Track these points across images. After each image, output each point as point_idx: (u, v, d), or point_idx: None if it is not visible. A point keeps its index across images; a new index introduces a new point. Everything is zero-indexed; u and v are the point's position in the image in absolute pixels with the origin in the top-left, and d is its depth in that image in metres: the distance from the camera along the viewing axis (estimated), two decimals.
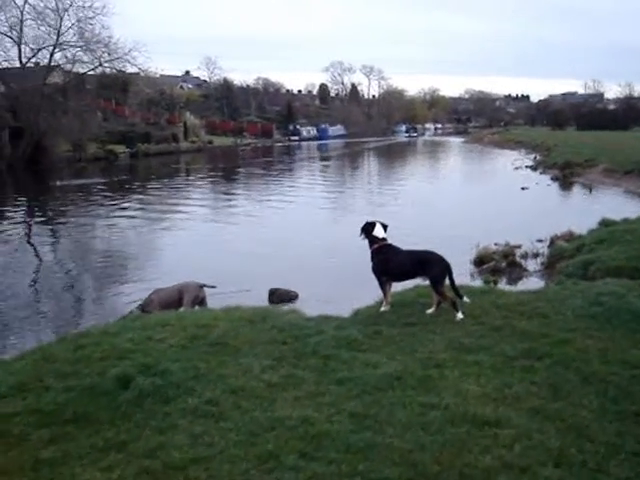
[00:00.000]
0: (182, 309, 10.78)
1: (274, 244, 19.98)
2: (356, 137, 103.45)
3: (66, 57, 52.09)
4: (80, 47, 51.32)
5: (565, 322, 8.32)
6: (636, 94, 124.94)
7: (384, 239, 8.96)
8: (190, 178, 47.17)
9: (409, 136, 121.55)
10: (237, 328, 8.07)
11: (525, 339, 7.70)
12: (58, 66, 53.66)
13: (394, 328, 8.11)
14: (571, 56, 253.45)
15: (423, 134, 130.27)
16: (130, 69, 57.17)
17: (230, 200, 33.53)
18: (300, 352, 7.29)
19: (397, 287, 10.39)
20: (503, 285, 14.37)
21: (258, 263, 17.34)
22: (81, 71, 54.26)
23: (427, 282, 9.06)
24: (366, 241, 9.10)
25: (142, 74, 70.37)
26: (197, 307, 11.05)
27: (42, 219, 28.55)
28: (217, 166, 58.49)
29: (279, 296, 13.23)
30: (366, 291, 10.34)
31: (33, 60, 51.97)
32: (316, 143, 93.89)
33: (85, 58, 52.38)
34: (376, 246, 8.89)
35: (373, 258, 8.92)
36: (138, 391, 6.25)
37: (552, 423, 5.67)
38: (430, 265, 8.65)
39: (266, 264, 17.18)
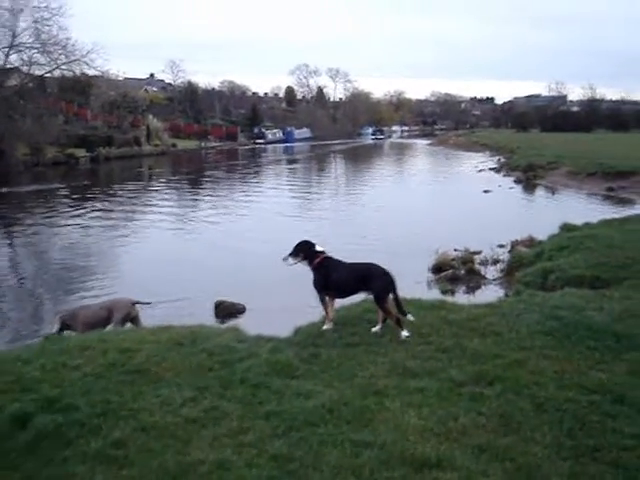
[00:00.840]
0: (110, 327, 10.02)
1: (229, 253, 19.23)
2: (322, 140, 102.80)
3: (22, 59, 50.68)
4: (37, 49, 50.01)
5: (519, 340, 7.72)
6: (598, 96, 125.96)
7: (323, 252, 8.27)
8: (152, 183, 45.90)
9: (376, 138, 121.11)
10: (163, 352, 7.33)
11: (476, 361, 7.07)
12: (15, 68, 52.32)
13: (334, 349, 7.43)
14: (535, 58, 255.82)
15: (390, 136, 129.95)
16: (88, 71, 55.83)
17: (190, 206, 32.38)
18: (227, 380, 6.58)
19: (344, 301, 9.77)
20: (461, 294, 13.84)
21: (210, 273, 16.66)
22: (38, 73, 52.67)
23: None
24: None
25: (104, 77, 69.48)
26: (129, 325, 10.26)
27: None
28: (180, 170, 57.43)
29: (225, 309, 12.51)
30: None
31: None
32: (282, 146, 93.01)
33: (42, 60, 51.01)
34: (317, 260, 8.16)
35: (314, 273, 8.20)
36: (35, 432, 5.52)
37: (500, 463, 5.05)
38: (373, 279, 7.96)
39: (219, 274, 16.53)
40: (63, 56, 50.67)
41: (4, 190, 37.55)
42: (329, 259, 8.19)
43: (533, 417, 5.82)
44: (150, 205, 32.37)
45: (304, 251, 8.23)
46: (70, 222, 26.14)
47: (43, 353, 7.46)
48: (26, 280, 17.33)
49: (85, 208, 30.48)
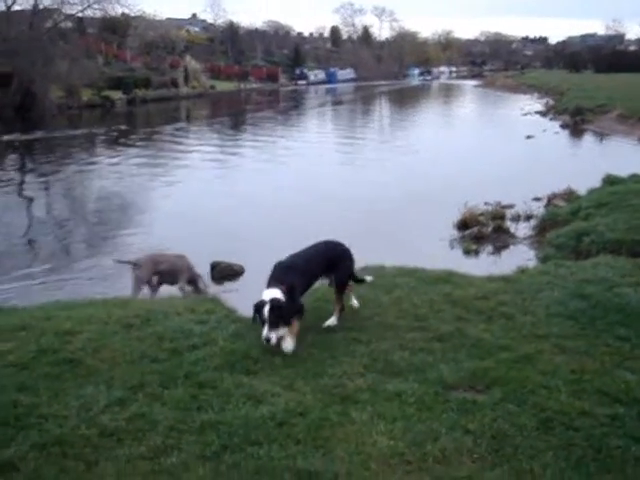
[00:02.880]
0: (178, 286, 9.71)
1: (258, 207, 17.53)
2: (366, 81, 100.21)
3: None
4: None
5: (534, 326, 6.43)
6: None
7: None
8: (188, 127, 44.18)
9: (423, 79, 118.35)
10: (106, 336, 6.22)
11: (476, 354, 5.83)
12: (50, 9, 51.19)
13: (307, 335, 6.23)
14: None
15: (438, 77, 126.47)
16: (120, 11, 54.49)
17: (226, 153, 29.89)
18: (169, 375, 5.46)
19: None
20: (485, 256, 12.47)
21: (231, 229, 15.13)
22: (69, 12, 51.46)
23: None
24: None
25: (143, 17, 68.13)
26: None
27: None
28: (217, 113, 56.04)
29: (221, 271, 11.37)
30: None
31: (20, 3, 49.34)
32: (324, 87, 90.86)
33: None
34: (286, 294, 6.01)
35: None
36: None
37: None
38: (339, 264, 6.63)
39: (235, 230, 15.04)
40: None
41: (38, 135, 36.51)
42: (291, 283, 6.09)
43: (535, 439, 4.59)
44: (185, 151, 30.28)
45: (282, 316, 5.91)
46: (103, 169, 24.76)
47: None
48: (55, 231, 16.06)
49: (119, 154, 29.06)
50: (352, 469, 4.24)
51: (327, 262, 6.53)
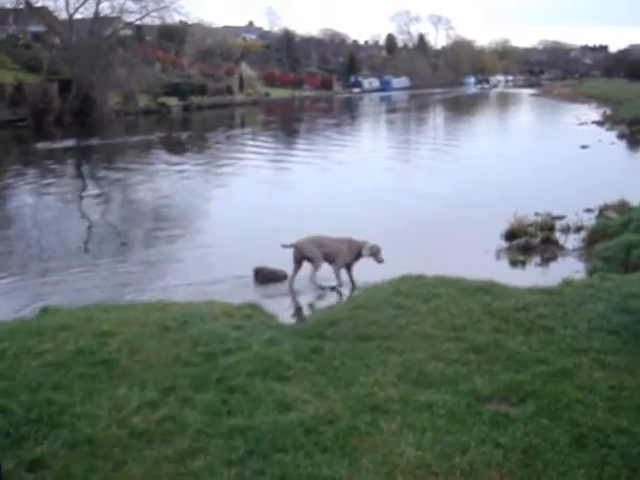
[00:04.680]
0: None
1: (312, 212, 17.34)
2: (422, 89, 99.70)
3: (113, 7, 50.45)
4: None
5: (574, 340, 6.29)
6: None
7: None
8: (242, 134, 44.53)
9: (481, 88, 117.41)
10: (143, 338, 6.32)
11: (511, 367, 5.73)
12: (112, 17, 52.35)
13: (341, 343, 6.23)
14: None
15: (496, 86, 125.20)
16: (178, 19, 55.48)
17: (281, 160, 29.70)
18: (202, 379, 5.51)
19: (373, 278, 8.53)
20: (532, 267, 12.22)
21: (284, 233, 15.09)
22: (129, 21, 52.59)
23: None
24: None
25: (200, 24, 69.26)
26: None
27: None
28: (271, 120, 56.30)
29: (265, 276, 11.35)
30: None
31: (82, 11, 50.49)
32: (379, 95, 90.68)
33: (132, 7, 50.71)
34: None
35: None
36: None
37: None
38: None
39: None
40: (152, 3, 50.16)
41: (95, 142, 36.56)
42: None
43: (567, 455, 4.48)
44: (238, 158, 30.27)
45: None
46: (159, 175, 24.73)
47: (14, 332, 6.57)
48: (110, 233, 16.18)
49: (175, 160, 29.13)
50: (377, 479, 4.20)
51: None
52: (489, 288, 7.81)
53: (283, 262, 11.66)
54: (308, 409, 4.99)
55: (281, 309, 8.89)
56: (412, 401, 5.13)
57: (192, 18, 57.89)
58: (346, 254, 10.68)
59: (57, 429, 4.77)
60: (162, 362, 5.83)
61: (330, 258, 10.84)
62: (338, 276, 10.65)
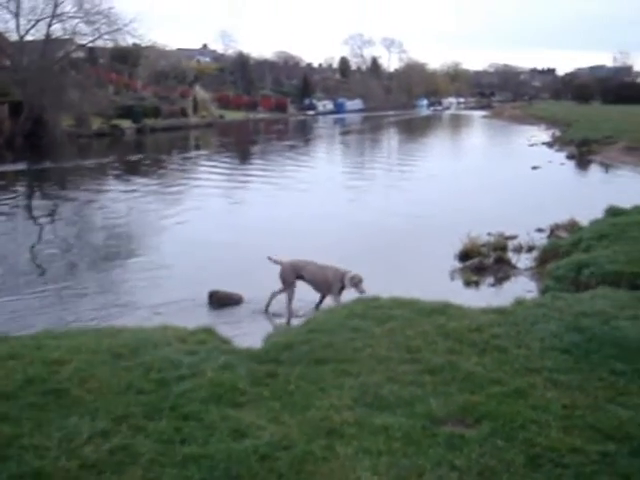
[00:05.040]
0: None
1: (266, 233, 17.25)
2: (375, 111, 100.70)
3: (65, 29, 49.90)
4: (79, 18, 49.17)
5: (527, 359, 6.34)
6: None
7: None
8: (196, 156, 44.12)
9: (434, 110, 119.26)
10: (94, 366, 6.18)
11: (466, 388, 5.75)
12: (63, 39, 51.77)
13: (297, 367, 6.17)
14: (600, 27, 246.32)
15: (449, 108, 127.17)
16: (131, 41, 55.13)
17: (235, 182, 29.49)
18: (155, 407, 5.40)
19: (327, 301, 8.52)
20: (485, 287, 12.36)
21: (238, 258, 15.02)
22: (81, 43, 52.11)
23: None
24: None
25: (154, 47, 69.03)
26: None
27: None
28: (225, 142, 56.13)
29: (220, 299, 11.28)
30: None
31: (33, 33, 49.88)
32: (333, 117, 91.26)
33: (85, 30, 50.24)
34: None
35: None
36: None
37: None
38: None
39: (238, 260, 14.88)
40: (105, 25, 49.73)
41: (47, 165, 35.85)
42: None
43: (522, 476, 4.51)
44: (192, 181, 29.88)
45: None
46: (111, 198, 24.10)
47: None
48: (58, 257, 15.75)
49: (127, 183, 28.52)
50: None
51: None
52: (443, 309, 7.85)
53: (239, 285, 11.63)
54: (263, 435, 4.93)
55: (236, 334, 8.79)
56: (368, 424, 5.10)
57: (145, 40, 57.36)
58: (335, 282, 10.34)
59: (3, 462, 4.62)
60: (114, 390, 5.71)
61: (316, 286, 10.60)
62: (338, 302, 10.11)
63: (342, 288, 10.28)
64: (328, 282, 10.38)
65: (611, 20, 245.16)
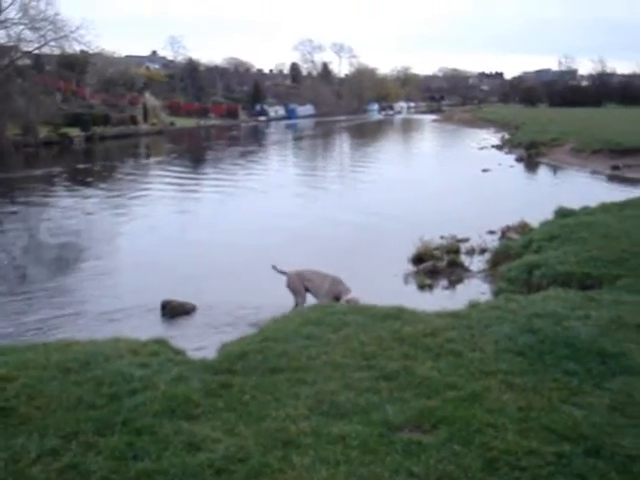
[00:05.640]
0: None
1: (215, 242, 17.12)
2: (326, 116, 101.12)
3: (9, 35, 48.96)
4: (24, 24, 48.31)
5: (482, 362, 6.35)
6: (609, 70, 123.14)
7: None
8: (145, 164, 43.61)
9: (385, 114, 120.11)
10: (43, 382, 5.99)
11: (422, 393, 5.72)
12: (3, 46, 50.76)
13: (251, 376, 6.08)
14: (545, 32, 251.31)
15: (400, 112, 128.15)
16: (78, 48, 54.36)
17: (184, 189, 29.14)
18: (107, 422, 5.25)
19: (283, 309, 8.47)
20: (439, 290, 12.44)
21: (185, 267, 14.83)
22: (26, 50, 51.18)
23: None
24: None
25: (102, 54, 68.09)
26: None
27: None
28: (176, 149, 55.55)
29: (173, 309, 11.13)
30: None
31: None
32: (284, 123, 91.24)
33: (30, 36, 49.38)
34: None
35: None
36: None
37: None
38: None
39: (187, 268, 14.73)
40: (51, 32, 48.96)
41: None
42: None
43: None
44: (142, 189, 29.34)
45: None
46: (60, 209, 23.54)
47: None
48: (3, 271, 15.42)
49: (76, 192, 28.16)
50: None
51: None
52: (398, 314, 7.84)
53: (192, 294, 11.51)
54: (218, 448, 4.83)
55: (190, 344, 8.67)
56: (325, 434, 5.04)
57: (93, 47, 56.62)
58: (326, 292, 10.53)
59: None
60: (64, 406, 5.54)
61: (313, 292, 10.84)
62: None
63: (336, 300, 10.31)
64: (322, 289, 10.59)
65: (556, 25, 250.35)
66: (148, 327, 9.95)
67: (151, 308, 11.14)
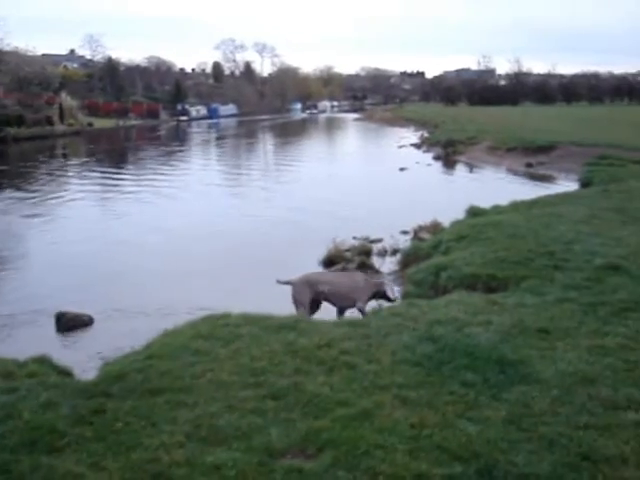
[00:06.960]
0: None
1: (124, 247, 16.48)
2: (249, 116, 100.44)
3: None
4: None
5: (377, 375, 6.05)
6: (525, 70, 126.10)
7: None
8: (61, 167, 41.74)
9: (310, 113, 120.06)
10: None
11: (310, 412, 5.37)
12: None
13: (128, 400, 5.61)
14: (464, 33, 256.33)
15: (324, 111, 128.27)
16: None
17: (101, 191, 28.27)
18: None
19: (170, 324, 8.00)
20: None
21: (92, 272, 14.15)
22: None
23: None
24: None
25: (16, 52, 65.82)
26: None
27: None
28: (94, 151, 53.89)
29: (67, 322, 10.48)
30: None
31: None
32: (206, 122, 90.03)
33: None
34: None
35: None
36: None
37: None
38: None
39: (88, 275, 14.03)
40: None
41: None
42: None
43: None
44: (57, 192, 28.04)
45: None
46: None
47: None
48: None
49: None
50: None
51: None
52: (294, 324, 7.44)
53: (89, 303, 10.96)
54: None
55: (80, 361, 8.10)
56: (199, 464, 4.63)
57: (6, 45, 54.51)
58: (364, 289, 9.29)
59: None
60: None
61: (340, 298, 9.34)
62: (364, 313, 9.09)
63: (376, 297, 9.41)
64: (358, 288, 9.26)
65: (474, 27, 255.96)
66: (37, 343, 9.27)
67: (45, 321, 10.50)
